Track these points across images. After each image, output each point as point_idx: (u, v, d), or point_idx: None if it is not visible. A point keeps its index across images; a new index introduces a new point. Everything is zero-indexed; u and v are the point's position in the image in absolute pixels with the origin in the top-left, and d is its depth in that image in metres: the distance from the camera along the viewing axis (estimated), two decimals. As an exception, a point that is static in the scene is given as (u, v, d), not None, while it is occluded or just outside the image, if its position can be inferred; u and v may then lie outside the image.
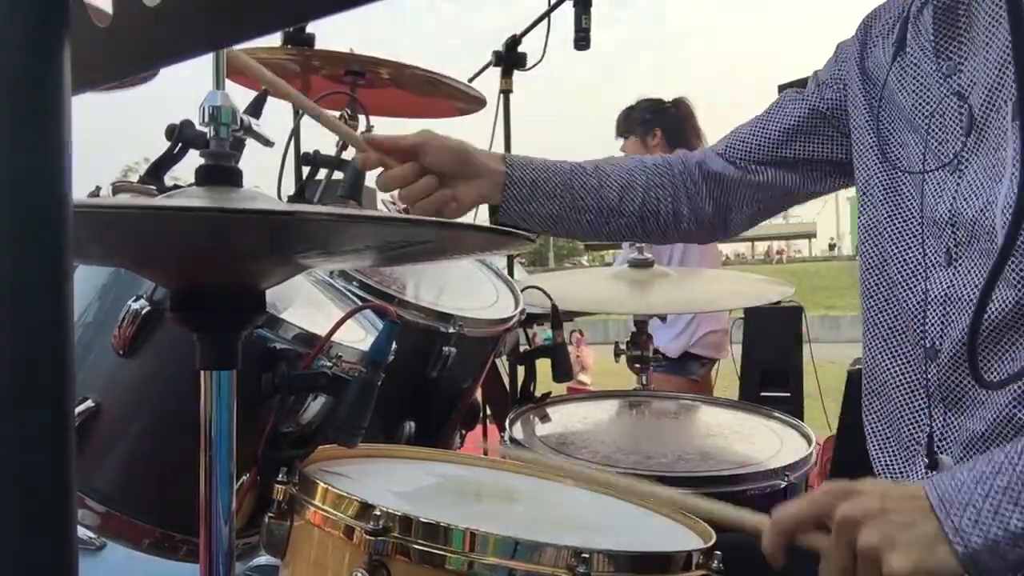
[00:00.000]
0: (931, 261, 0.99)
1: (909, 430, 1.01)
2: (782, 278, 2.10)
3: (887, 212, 1.05)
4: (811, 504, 0.83)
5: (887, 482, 0.88)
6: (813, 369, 3.44)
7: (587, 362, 9.14)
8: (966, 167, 0.94)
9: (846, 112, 1.16)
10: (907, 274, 1.02)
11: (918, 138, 1.01)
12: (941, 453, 0.97)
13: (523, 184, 1.20)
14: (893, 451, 1.05)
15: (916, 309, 1.00)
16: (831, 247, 56.47)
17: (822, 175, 1.24)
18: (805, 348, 3.36)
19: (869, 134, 1.09)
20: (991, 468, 0.78)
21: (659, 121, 3.31)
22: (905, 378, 1.03)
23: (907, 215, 1.03)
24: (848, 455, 2.62)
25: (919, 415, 1.00)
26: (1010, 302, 0.88)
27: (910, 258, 1.02)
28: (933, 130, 0.99)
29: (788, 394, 3.40)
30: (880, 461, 1.07)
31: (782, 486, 1.34)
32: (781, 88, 5.78)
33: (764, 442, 1.54)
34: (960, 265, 0.95)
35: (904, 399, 1.02)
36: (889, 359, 1.05)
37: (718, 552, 0.88)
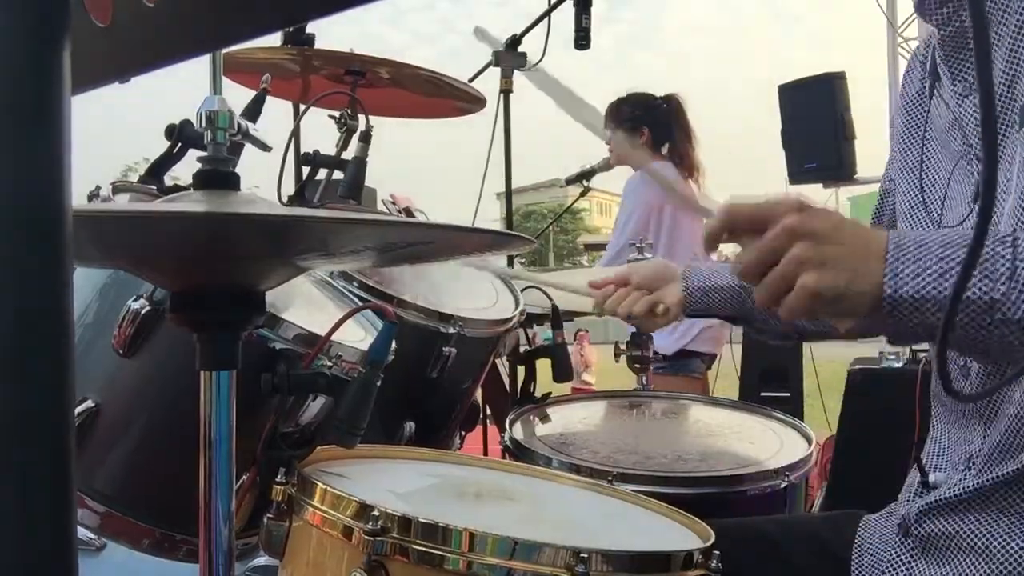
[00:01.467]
0: None
1: (961, 445, 1.01)
2: (782, 278, 2.09)
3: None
4: (768, 207, 0.81)
5: (854, 220, 0.86)
6: (813, 369, 3.44)
7: (591, 360, 9.11)
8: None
9: None
10: None
11: (952, 164, 1.01)
12: (971, 464, 0.96)
13: (700, 273, 1.40)
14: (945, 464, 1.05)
15: None
16: (831, 247, 56.16)
17: None
18: (805, 348, 3.36)
19: (906, 183, 1.10)
20: (960, 239, 0.78)
21: (647, 120, 3.26)
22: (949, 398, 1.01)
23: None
24: (848, 455, 2.62)
25: (970, 432, 0.98)
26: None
27: None
28: (950, 151, 0.99)
29: (788, 394, 3.40)
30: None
31: (782, 486, 1.33)
32: (781, 89, 5.77)
33: (764, 442, 1.54)
34: None
35: (954, 416, 1.02)
36: (935, 379, 1.03)
37: (717, 551, 0.88)
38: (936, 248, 0.78)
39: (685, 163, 3.27)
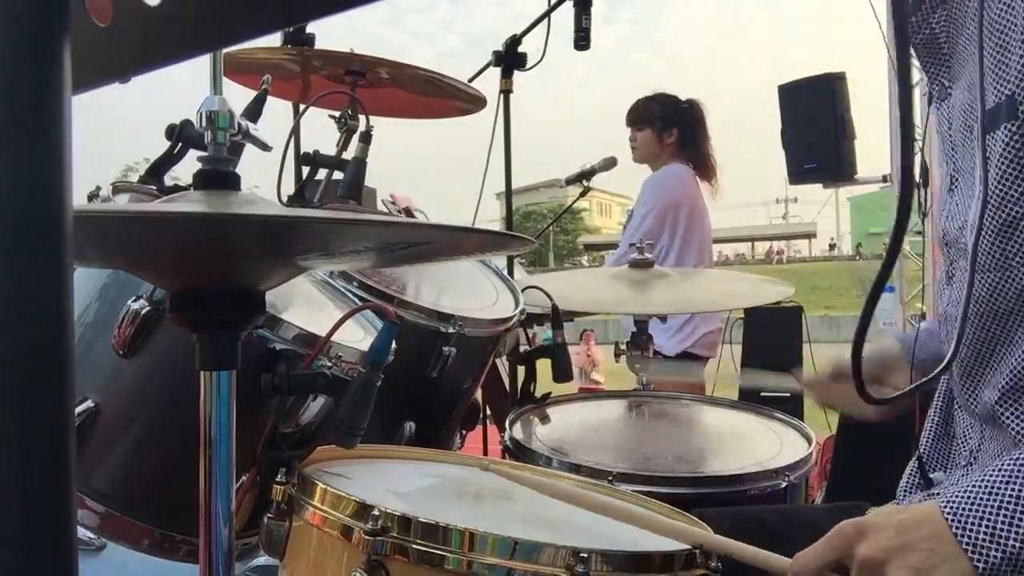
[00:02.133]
0: (944, 280, 1.03)
1: (961, 442, 1.02)
2: (782, 278, 2.10)
3: None
4: (829, 549, 0.82)
5: (893, 509, 0.86)
6: (813, 369, 3.44)
7: (599, 359, 9.08)
8: (955, 188, 0.97)
9: None
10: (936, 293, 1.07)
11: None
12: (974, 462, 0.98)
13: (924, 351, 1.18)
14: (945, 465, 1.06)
15: (939, 328, 1.05)
16: (831, 247, 56.37)
17: None
18: (805, 348, 3.37)
19: None
20: (1001, 477, 0.78)
21: (677, 121, 3.31)
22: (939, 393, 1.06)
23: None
24: (848, 455, 2.62)
25: (970, 428, 1.00)
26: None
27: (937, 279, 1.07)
28: (940, 155, 1.02)
29: (788, 394, 3.40)
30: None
31: (782, 486, 1.34)
32: (781, 89, 5.76)
33: (764, 442, 1.54)
34: (954, 283, 0.98)
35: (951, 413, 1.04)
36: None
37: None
38: (987, 499, 0.77)
39: (708, 165, 3.32)
